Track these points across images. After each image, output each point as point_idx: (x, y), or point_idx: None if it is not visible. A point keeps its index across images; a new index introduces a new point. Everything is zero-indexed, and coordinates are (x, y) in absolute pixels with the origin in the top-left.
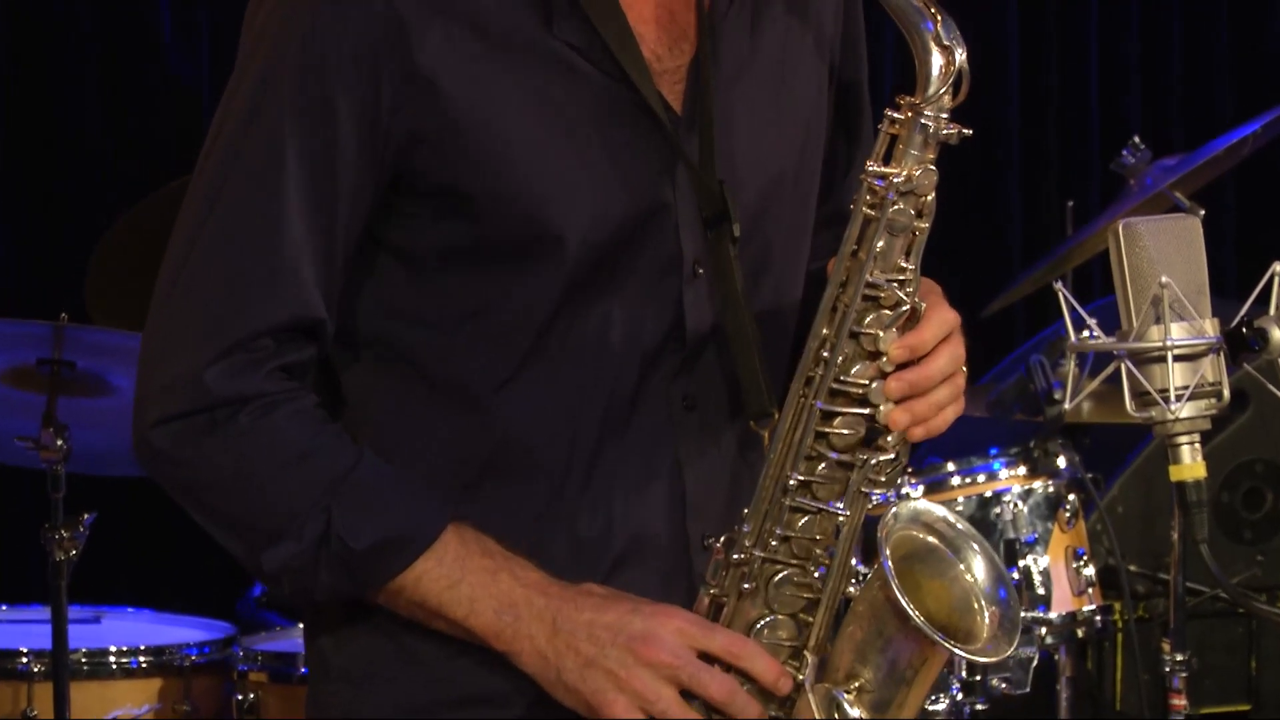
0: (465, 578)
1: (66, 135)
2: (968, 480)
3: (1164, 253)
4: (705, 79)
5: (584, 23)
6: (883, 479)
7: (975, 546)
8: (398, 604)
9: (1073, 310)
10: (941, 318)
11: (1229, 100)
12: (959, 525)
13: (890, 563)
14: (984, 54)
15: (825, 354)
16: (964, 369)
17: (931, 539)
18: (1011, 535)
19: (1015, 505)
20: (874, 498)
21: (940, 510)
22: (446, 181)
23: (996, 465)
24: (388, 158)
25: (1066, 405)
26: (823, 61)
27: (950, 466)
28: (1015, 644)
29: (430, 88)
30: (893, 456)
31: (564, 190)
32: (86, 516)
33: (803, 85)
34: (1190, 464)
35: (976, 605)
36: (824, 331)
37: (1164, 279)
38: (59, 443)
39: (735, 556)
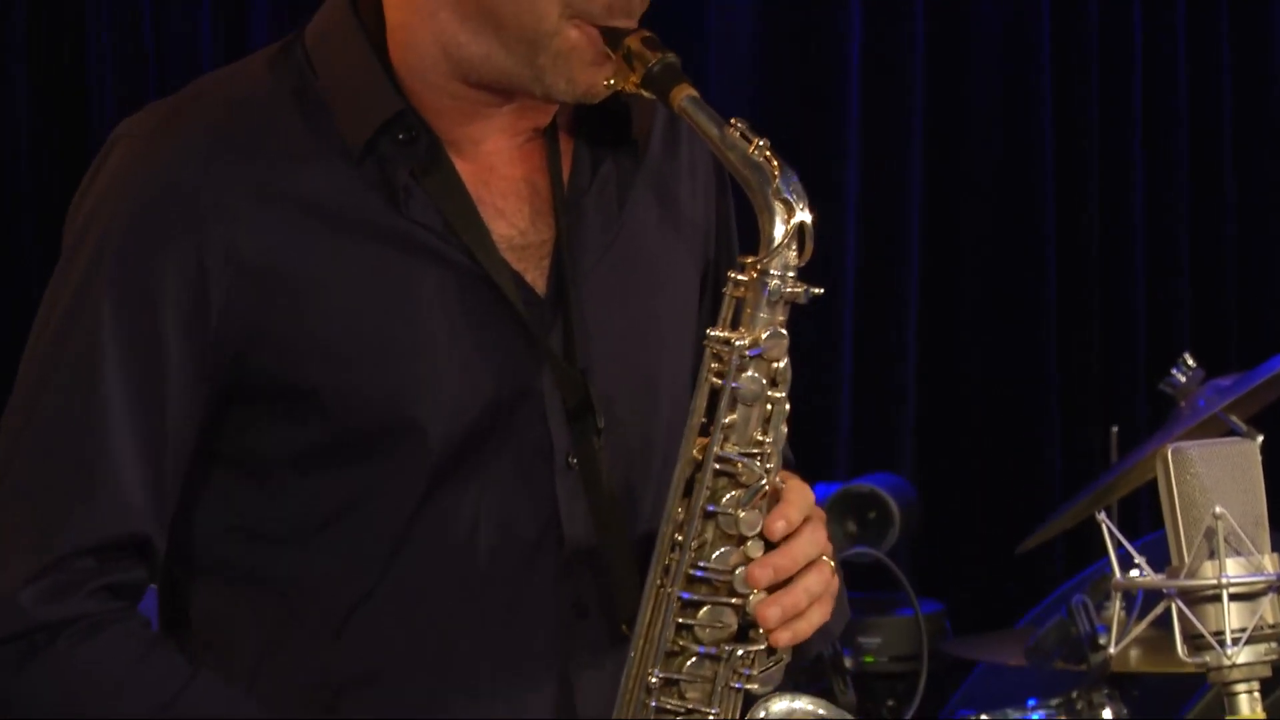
0: None
1: None
2: None
3: (1218, 481)
4: (564, 259)
5: (433, 204)
6: (756, 671)
7: None
8: None
9: (1118, 545)
10: (803, 493)
11: None
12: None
13: None
14: (1021, 261)
15: (679, 538)
16: (831, 562)
17: None
18: None
19: None
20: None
21: (814, 706)
22: (289, 380)
23: (1035, 719)
24: (222, 360)
25: (1112, 651)
26: (695, 245)
27: None
28: None
29: (265, 279)
30: (763, 647)
31: (422, 377)
32: None
33: (675, 267)
34: (1250, 715)
35: None
36: (678, 513)
37: (1218, 510)
38: None
39: None
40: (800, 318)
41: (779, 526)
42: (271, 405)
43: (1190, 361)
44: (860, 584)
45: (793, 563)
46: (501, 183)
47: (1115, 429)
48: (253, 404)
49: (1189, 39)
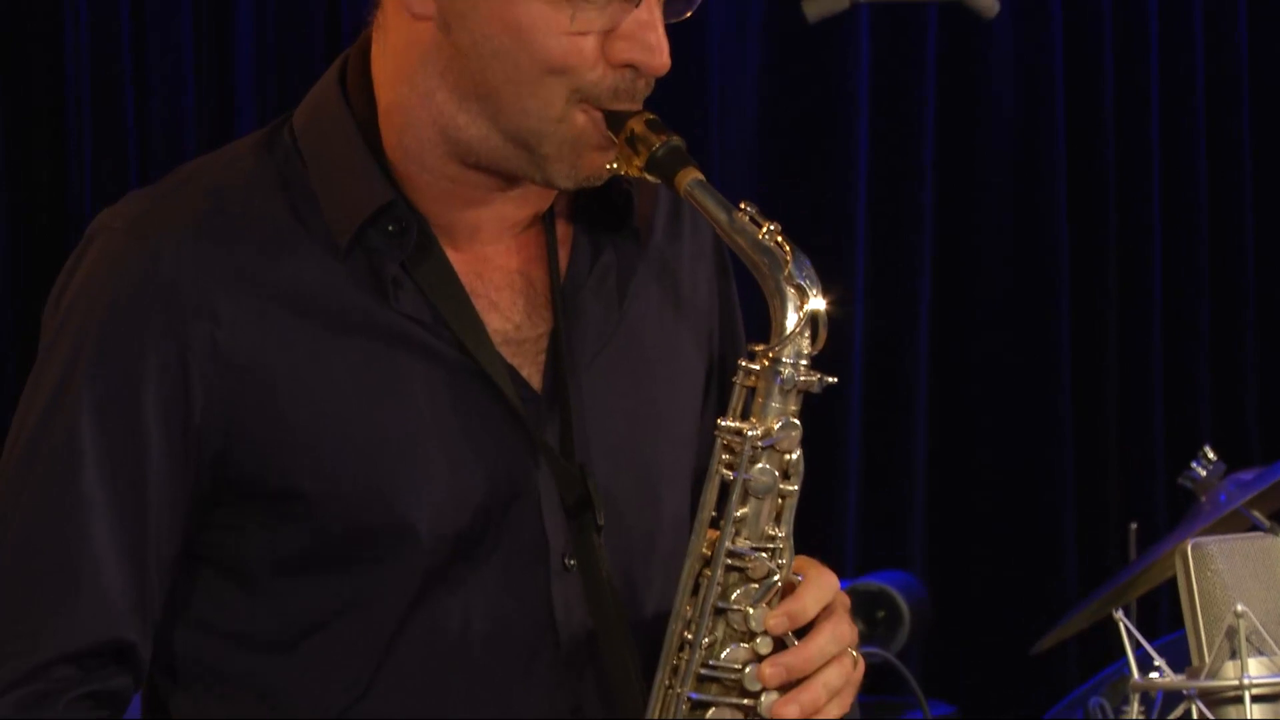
0: None
1: None
2: None
3: (1239, 578)
4: (561, 353)
5: (424, 296)
6: None
7: None
8: None
9: (1136, 645)
10: (821, 584)
11: None
12: None
13: None
14: (1037, 350)
15: (689, 636)
16: (855, 654)
17: None
18: None
19: None
20: None
21: None
22: (275, 481)
23: None
24: (205, 460)
25: None
26: (700, 338)
27: None
28: None
29: (248, 376)
30: None
31: (413, 476)
32: None
33: (679, 357)
34: None
35: None
36: (686, 610)
37: (1240, 607)
38: None
39: None
40: (804, 405)
41: (778, 623)
42: (256, 507)
43: (1211, 454)
44: (868, 686)
45: (806, 662)
46: (496, 275)
47: (1133, 524)
48: (237, 505)
49: (1208, 116)
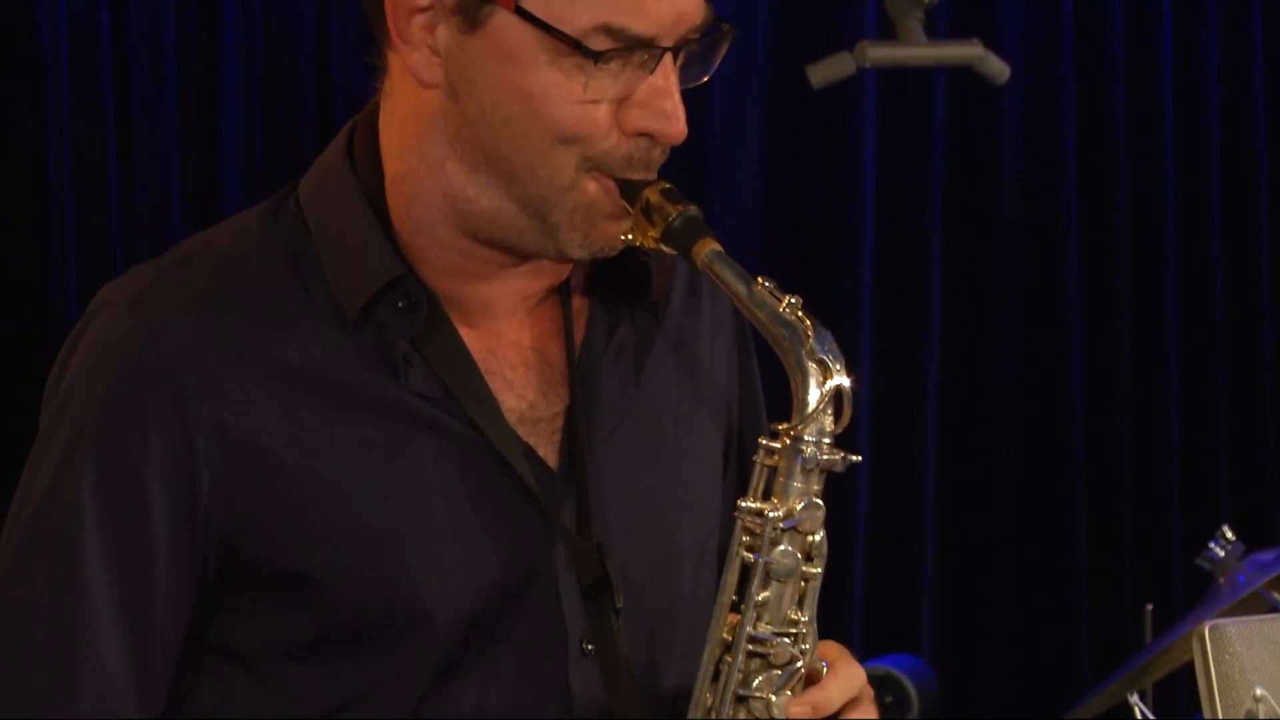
0: None
1: None
2: None
3: (1259, 661)
4: (577, 431)
5: (434, 373)
6: None
7: None
8: None
9: None
10: (848, 674)
11: None
12: None
13: None
14: (1048, 435)
15: None
16: None
17: None
18: None
19: None
20: None
21: None
22: (283, 566)
23: None
24: (211, 543)
25: None
26: (718, 413)
27: None
28: None
29: (256, 457)
30: None
31: (425, 559)
32: None
33: (697, 433)
34: None
35: None
36: (706, 698)
37: (1259, 691)
38: None
39: None
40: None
41: (801, 712)
42: (264, 592)
43: (1229, 534)
44: None
45: None
46: (510, 351)
47: (1150, 606)
48: (244, 591)
49: (1224, 180)
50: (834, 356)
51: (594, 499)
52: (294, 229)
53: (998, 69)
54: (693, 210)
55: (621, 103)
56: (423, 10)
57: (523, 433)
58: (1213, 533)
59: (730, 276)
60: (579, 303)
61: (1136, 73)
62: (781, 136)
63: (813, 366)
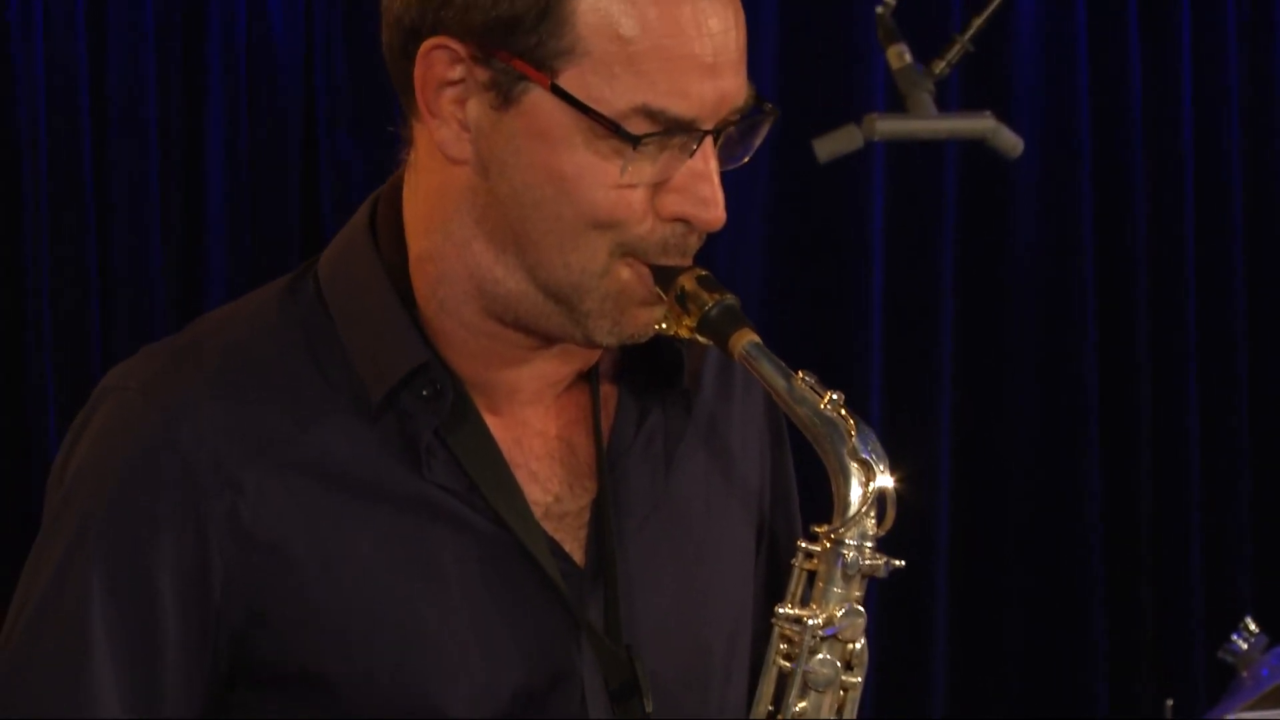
0: None
1: None
2: None
3: None
4: (605, 526)
5: (459, 464)
6: None
7: None
8: None
9: None
10: None
11: None
12: None
13: None
14: (1065, 519)
15: None
16: None
17: None
18: None
19: None
20: None
21: None
22: (297, 664)
23: None
24: (223, 641)
25: None
26: (749, 508)
27: None
28: None
29: (271, 553)
30: None
31: (446, 660)
32: None
33: (728, 533)
34: None
35: None
36: None
37: None
38: None
39: None
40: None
41: None
42: (277, 693)
43: (1252, 626)
44: None
45: None
46: (535, 441)
47: (1170, 701)
48: (257, 689)
49: (1246, 238)
50: (877, 456)
51: (623, 597)
52: (313, 309)
53: (1010, 142)
54: (730, 299)
55: (658, 186)
56: (453, 84)
57: (548, 527)
58: (1235, 625)
59: (769, 370)
60: (607, 389)
61: (1157, 144)
62: (786, 213)
63: (855, 466)
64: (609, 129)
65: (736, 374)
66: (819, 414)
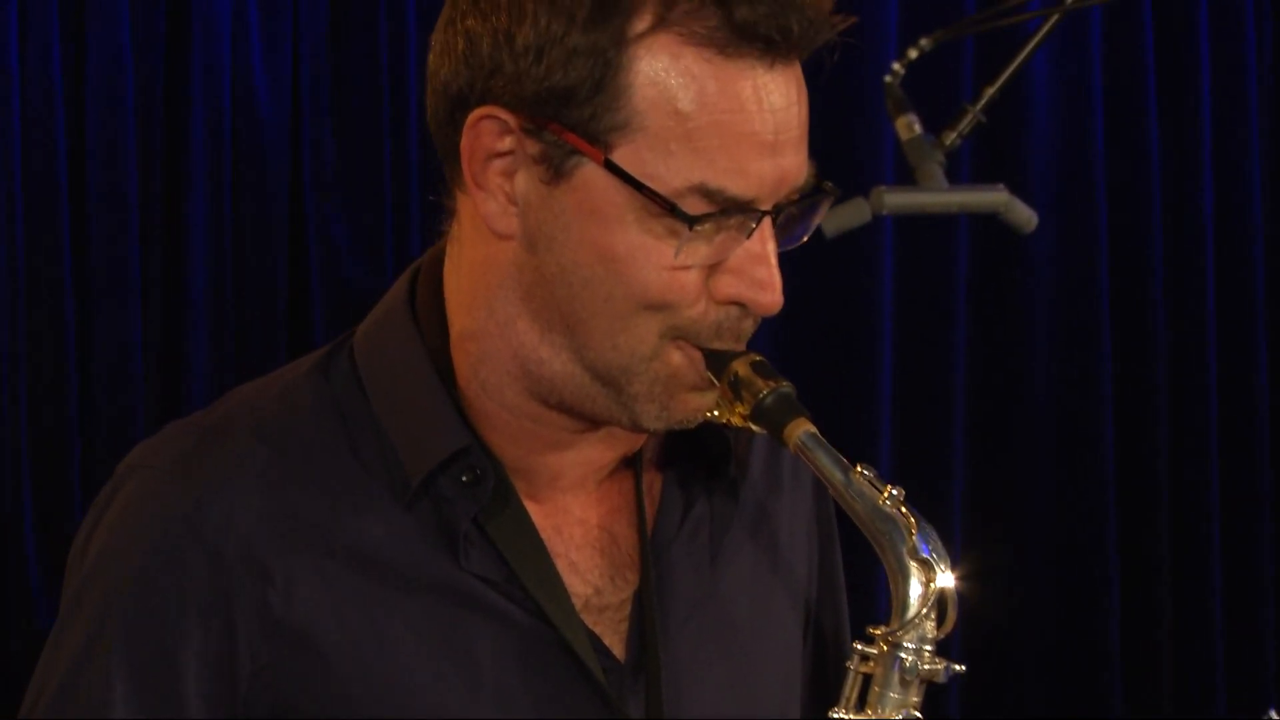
0: None
1: None
2: None
3: None
4: (648, 620)
5: (497, 553)
6: None
7: None
8: None
9: None
10: None
11: None
12: None
13: None
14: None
15: None
16: None
17: None
18: None
19: None
20: None
21: None
22: None
23: None
24: None
25: None
26: (796, 595)
27: None
28: None
29: (301, 644)
30: None
31: None
32: None
33: (774, 629)
34: None
35: None
36: None
37: None
38: None
39: None
40: None
41: None
42: None
43: (1275, 716)
44: None
45: None
46: (576, 530)
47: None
48: None
49: (1269, 330)
50: (938, 555)
51: (666, 695)
52: (348, 387)
53: (1025, 216)
54: (785, 386)
55: (713, 267)
56: (502, 155)
57: (588, 620)
58: (1259, 716)
59: (826, 462)
60: (650, 476)
61: (1177, 219)
62: (793, 288)
63: (914, 566)
64: (664, 208)
65: (785, 459)
66: (878, 510)
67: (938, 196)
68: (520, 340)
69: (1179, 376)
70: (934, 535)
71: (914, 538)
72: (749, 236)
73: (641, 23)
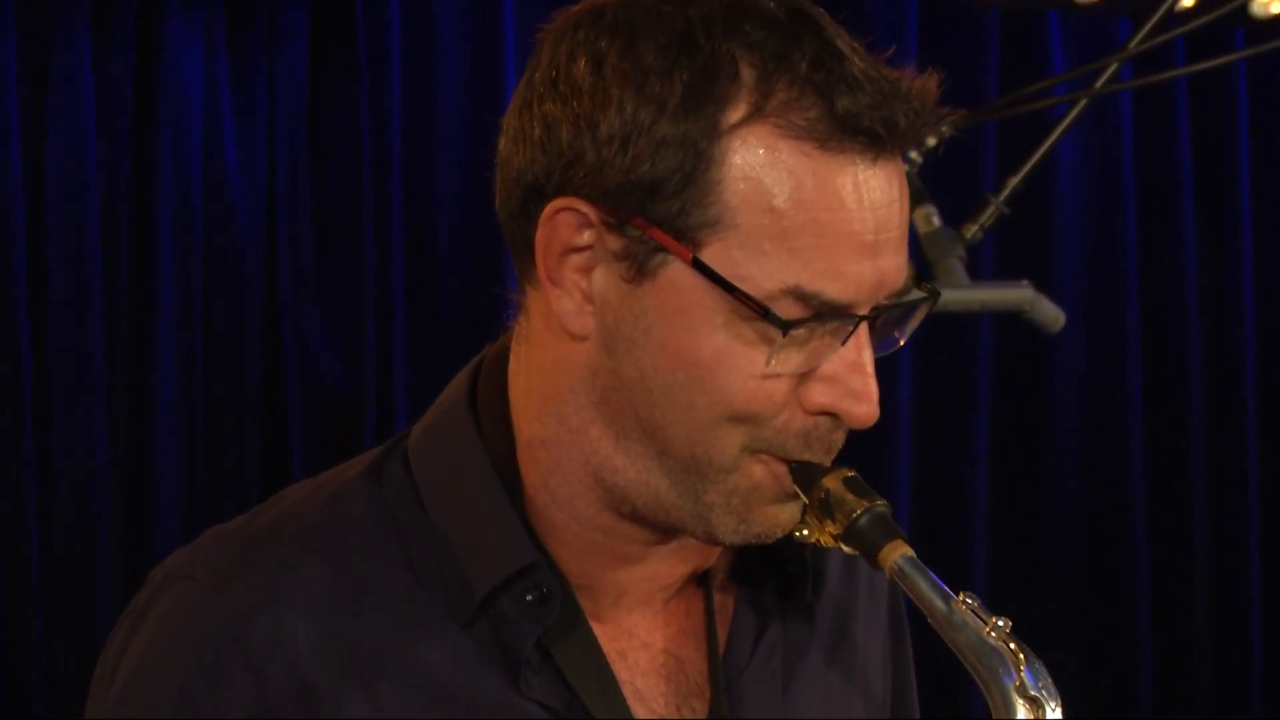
0: None
1: None
2: None
3: None
4: None
5: (560, 678)
6: None
7: None
8: None
9: None
10: None
11: None
12: None
13: None
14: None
15: None
16: None
17: None
18: None
19: None
20: None
21: None
22: None
23: None
24: None
25: None
26: (870, 713)
27: None
28: None
29: None
30: None
31: None
32: None
33: None
34: None
35: None
36: None
37: None
38: None
39: None
40: None
41: None
42: None
43: None
44: None
45: None
46: (641, 655)
47: None
48: None
49: None
50: (1049, 693)
51: None
52: (402, 495)
53: (1051, 315)
54: (880, 505)
55: (803, 375)
56: (580, 250)
57: None
58: None
59: (925, 590)
60: (721, 597)
61: (1213, 321)
62: None
63: (1021, 704)
64: (756, 312)
65: (861, 566)
66: (983, 644)
67: (958, 293)
68: (594, 448)
69: (1216, 483)
70: (1043, 670)
71: (1023, 674)
72: (844, 343)
73: (736, 112)
